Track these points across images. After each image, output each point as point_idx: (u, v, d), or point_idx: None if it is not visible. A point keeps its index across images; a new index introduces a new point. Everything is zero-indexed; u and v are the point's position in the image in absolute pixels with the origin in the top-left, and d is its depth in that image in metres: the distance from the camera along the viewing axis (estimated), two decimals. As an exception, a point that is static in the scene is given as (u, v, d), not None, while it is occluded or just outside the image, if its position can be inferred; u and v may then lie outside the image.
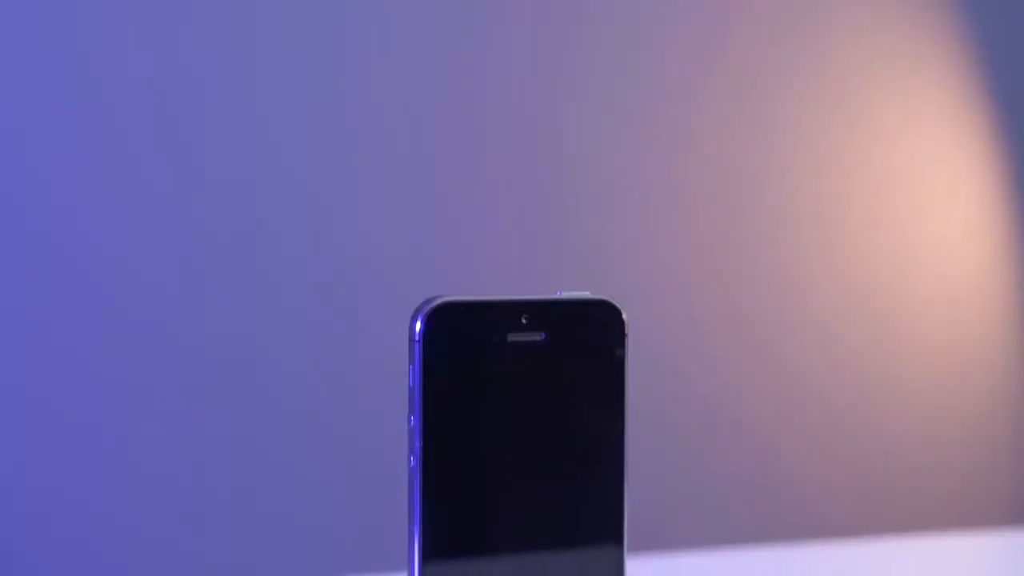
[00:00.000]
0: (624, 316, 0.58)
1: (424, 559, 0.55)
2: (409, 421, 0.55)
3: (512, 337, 0.56)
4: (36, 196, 1.35)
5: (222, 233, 1.42)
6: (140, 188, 1.39)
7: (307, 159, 1.45)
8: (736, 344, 1.64)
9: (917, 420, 1.74)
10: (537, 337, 0.56)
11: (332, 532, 1.46)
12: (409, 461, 0.55)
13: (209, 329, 1.41)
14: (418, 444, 0.55)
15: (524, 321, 0.56)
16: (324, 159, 1.46)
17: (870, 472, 1.71)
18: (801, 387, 1.67)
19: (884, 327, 1.72)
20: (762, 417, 1.65)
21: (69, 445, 1.36)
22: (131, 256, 1.39)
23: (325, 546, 1.46)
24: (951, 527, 1.75)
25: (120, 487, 1.38)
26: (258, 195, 1.44)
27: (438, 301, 0.55)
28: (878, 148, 1.72)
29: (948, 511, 1.76)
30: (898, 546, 1.03)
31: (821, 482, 1.69)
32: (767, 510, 1.66)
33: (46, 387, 1.35)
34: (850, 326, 1.70)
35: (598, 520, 0.57)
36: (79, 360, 1.36)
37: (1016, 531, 1.09)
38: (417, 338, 0.55)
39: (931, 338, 1.74)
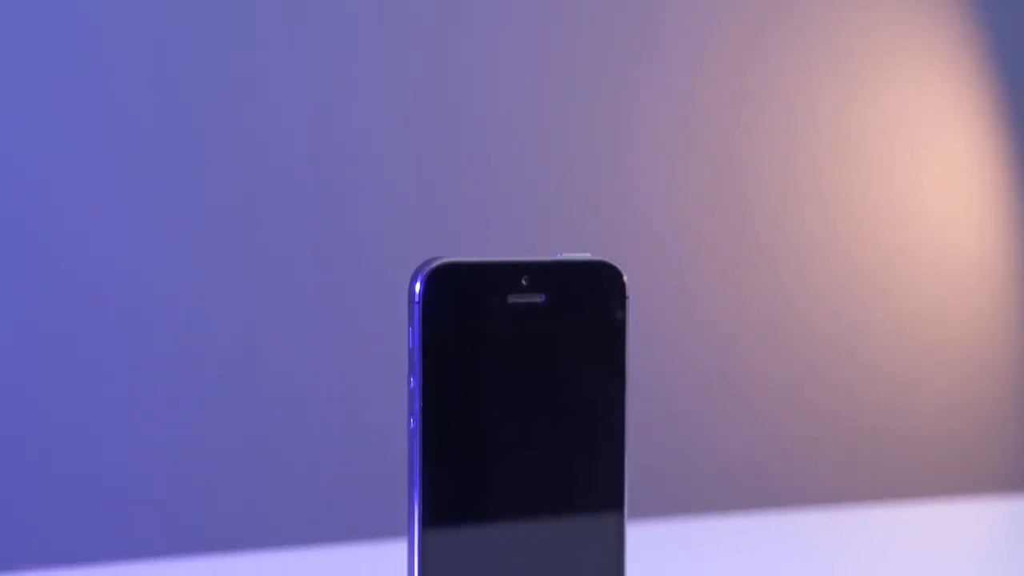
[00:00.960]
0: (625, 278, 0.57)
1: (424, 522, 0.55)
2: (409, 383, 0.55)
3: (512, 299, 0.56)
4: (36, 175, 1.34)
5: (223, 201, 1.42)
6: (142, 166, 1.38)
7: (307, 122, 1.44)
8: (734, 312, 1.63)
9: (916, 391, 1.74)
10: (537, 299, 0.56)
11: (331, 499, 1.46)
12: (409, 423, 0.55)
13: (209, 295, 1.41)
14: (418, 406, 0.55)
15: (524, 282, 0.56)
16: (324, 122, 1.45)
17: (869, 441, 1.71)
18: (800, 353, 1.67)
19: (884, 299, 1.71)
20: (761, 384, 1.65)
21: (68, 413, 1.36)
22: (133, 230, 1.38)
23: (324, 513, 1.46)
24: (953, 495, 1.75)
25: (118, 451, 1.38)
26: (257, 161, 1.43)
27: (438, 262, 0.55)
28: (882, 125, 1.71)
29: (949, 480, 1.76)
30: (899, 512, 1.03)
31: (822, 449, 1.69)
32: (767, 476, 1.66)
33: (45, 362, 1.35)
34: (849, 296, 1.69)
35: (599, 482, 0.57)
36: (77, 329, 1.36)
37: (1017, 498, 1.10)
38: (417, 299, 0.55)
39: (930, 311, 1.74)
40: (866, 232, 1.70)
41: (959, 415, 1.76)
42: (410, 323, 0.55)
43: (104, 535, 1.37)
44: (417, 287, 0.55)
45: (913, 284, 1.73)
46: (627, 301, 0.57)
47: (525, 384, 0.56)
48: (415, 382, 0.55)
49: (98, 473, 1.38)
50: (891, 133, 1.72)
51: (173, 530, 1.40)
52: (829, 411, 1.69)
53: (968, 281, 1.76)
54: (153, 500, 1.40)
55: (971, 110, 1.74)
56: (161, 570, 0.84)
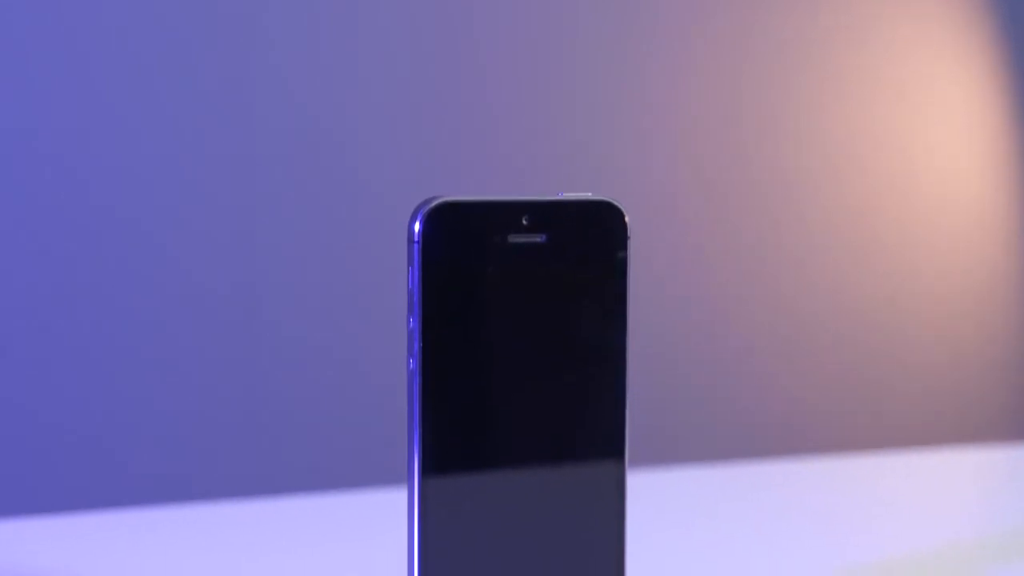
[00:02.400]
0: (627, 218, 0.57)
1: (424, 463, 0.54)
2: (408, 323, 0.55)
3: (512, 238, 0.55)
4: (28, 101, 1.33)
5: (218, 142, 1.41)
6: (137, 100, 1.37)
7: (307, 58, 1.43)
8: (736, 255, 1.63)
9: (915, 339, 1.74)
10: (538, 238, 0.55)
11: (330, 444, 1.46)
12: (408, 364, 0.55)
13: (206, 238, 1.40)
14: (417, 346, 0.54)
15: (525, 222, 0.55)
16: (324, 58, 1.44)
17: (869, 390, 1.71)
18: (802, 297, 1.67)
19: (883, 245, 1.71)
20: (761, 328, 1.65)
21: (64, 362, 1.36)
22: (125, 169, 1.38)
23: (323, 459, 1.46)
24: (953, 444, 1.75)
25: (116, 393, 1.38)
26: (257, 96, 1.42)
27: (437, 201, 0.54)
28: (884, 64, 1.70)
29: (949, 430, 1.76)
30: (898, 460, 1.03)
31: (823, 397, 1.69)
32: (769, 424, 1.66)
33: (44, 293, 1.34)
34: (849, 245, 1.69)
35: (600, 424, 0.57)
36: (70, 275, 1.35)
37: (1017, 446, 1.10)
38: (416, 239, 0.54)
39: (931, 258, 1.74)
40: (869, 173, 1.70)
41: (959, 365, 1.76)
42: (409, 263, 0.54)
43: (101, 482, 1.37)
44: (416, 226, 0.54)
45: (913, 230, 1.73)
46: (629, 241, 0.57)
47: (525, 324, 0.55)
48: (414, 322, 0.54)
49: (95, 420, 1.38)
50: (893, 67, 1.71)
51: (171, 478, 1.40)
52: (829, 358, 1.69)
53: (968, 228, 1.76)
54: (150, 448, 1.39)
55: (977, 36, 1.73)
56: (158, 517, 0.84)
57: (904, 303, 1.73)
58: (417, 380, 0.54)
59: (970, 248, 1.76)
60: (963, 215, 1.74)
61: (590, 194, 0.57)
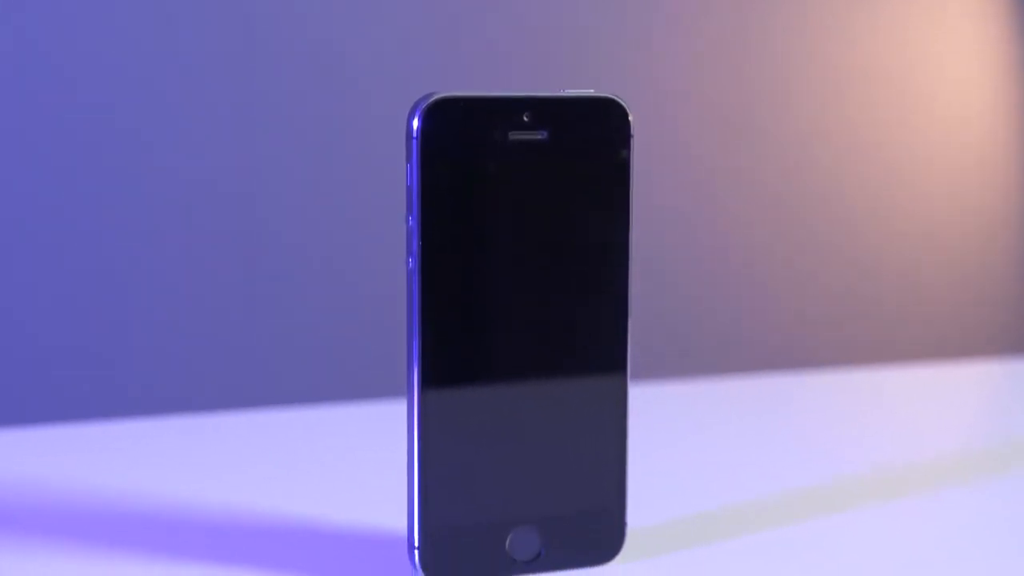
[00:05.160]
0: (630, 115, 0.56)
1: (423, 365, 0.54)
2: (407, 221, 0.54)
3: (513, 135, 0.54)
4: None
5: (214, 40, 1.39)
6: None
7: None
8: (738, 163, 1.62)
9: (917, 254, 1.73)
10: (539, 135, 0.54)
11: (327, 350, 1.45)
12: (407, 263, 0.54)
13: (201, 134, 1.39)
14: (416, 245, 0.54)
15: (526, 119, 0.54)
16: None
17: (870, 305, 1.71)
18: (806, 210, 1.66)
19: (888, 157, 1.70)
20: (763, 242, 1.64)
21: (57, 263, 1.35)
22: (119, 68, 1.36)
23: (320, 367, 1.45)
24: (954, 358, 1.75)
25: (111, 304, 1.37)
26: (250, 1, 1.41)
27: (437, 96, 0.53)
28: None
29: (949, 345, 1.76)
30: (898, 374, 1.03)
31: (823, 312, 1.68)
32: (769, 336, 1.65)
33: (32, 208, 1.33)
34: (853, 155, 1.68)
35: (603, 325, 0.56)
36: (63, 172, 1.34)
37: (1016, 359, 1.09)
38: (415, 135, 0.53)
39: (933, 186, 1.73)
40: (876, 86, 1.68)
41: (960, 281, 1.75)
42: (408, 160, 0.54)
43: (100, 393, 1.37)
44: (415, 122, 0.53)
45: (916, 146, 1.72)
46: (632, 140, 0.56)
47: (526, 223, 0.54)
48: (413, 221, 0.54)
49: (91, 329, 1.37)
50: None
51: (168, 389, 1.39)
52: (831, 271, 1.68)
53: (975, 142, 1.75)
54: (148, 357, 1.39)
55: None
56: (159, 427, 0.84)
57: (908, 217, 1.72)
58: (416, 278, 0.54)
59: (981, 161, 1.75)
60: (971, 131, 1.73)
61: (593, 91, 0.56)
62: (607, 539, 0.57)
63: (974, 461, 0.74)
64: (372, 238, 1.46)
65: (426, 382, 0.54)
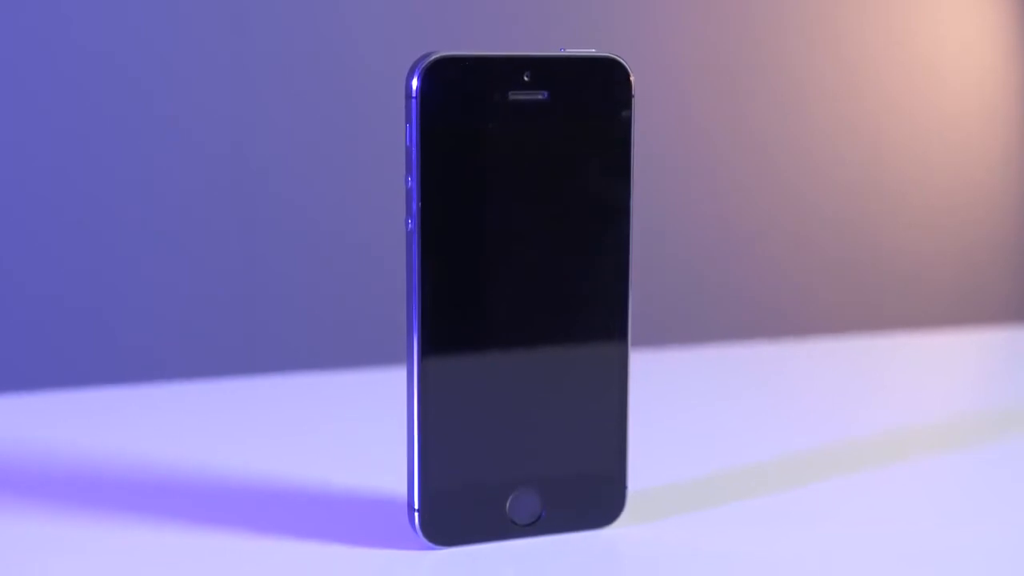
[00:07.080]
0: (632, 76, 0.55)
1: (423, 327, 0.53)
2: (406, 182, 0.53)
3: (513, 95, 0.53)
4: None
5: (211, 8, 1.39)
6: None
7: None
8: (741, 125, 1.61)
9: (920, 224, 1.73)
10: (540, 95, 0.54)
11: (328, 316, 1.45)
12: (407, 224, 0.54)
13: (198, 101, 1.38)
14: (415, 206, 0.53)
15: (526, 78, 0.54)
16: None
17: (872, 274, 1.70)
18: (805, 179, 1.65)
19: (890, 127, 1.69)
20: (765, 209, 1.63)
21: (59, 236, 1.34)
22: (120, 43, 1.35)
23: (321, 333, 1.45)
24: (954, 326, 1.75)
25: (113, 274, 1.37)
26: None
27: (436, 56, 0.53)
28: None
29: (949, 313, 1.76)
30: (901, 341, 1.03)
31: (824, 278, 1.68)
32: (769, 302, 1.65)
33: (33, 184, 1.33)
34: (855, 126, 1.67)
35: (604, 286, 0.56)
36: (64, 150, 1.34)
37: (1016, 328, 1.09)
38: (414, 95, 0.53)
39: (938, 141, 1.72)
40: (879, 60, 1.67)
41: (960, 251, 1.75)
42: (407, 120, 0.53)
43: (102, 358, 1.37)
44: (414, 82, 0.53)
45: (915, 116, 1.71)
46: (633, 100, 0.55)
47: (526, 183, 0.54)
48: (412, 181, 0.53)
49: (95, 297, 1.37)
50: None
51: (169, 355, 1.39)
52: (833, 239, 1.68)
53: (971, 114, 1.74)
54: (151, 325, 1.39)
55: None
56: (159, 393, 0.84)
57: (909, 186, 1.71)
58: (416, 240, 0.53)
59: (981, 131, 1.74)
60: (970, 102, 1.72)
61: (594, 50, 0.55)
62: (607, 502, 0.57)
63: (973, 426, 0.74)
64: (372, 201, 1.45)
65: (425, 344, 0.53)
